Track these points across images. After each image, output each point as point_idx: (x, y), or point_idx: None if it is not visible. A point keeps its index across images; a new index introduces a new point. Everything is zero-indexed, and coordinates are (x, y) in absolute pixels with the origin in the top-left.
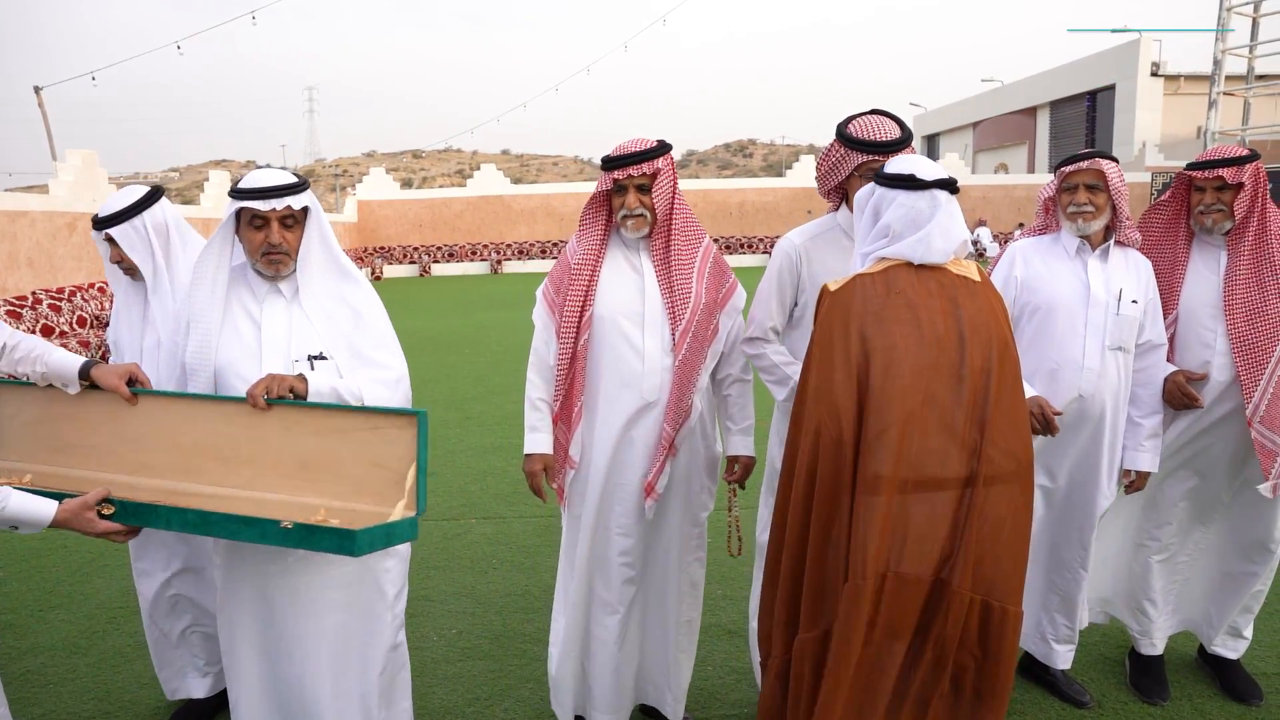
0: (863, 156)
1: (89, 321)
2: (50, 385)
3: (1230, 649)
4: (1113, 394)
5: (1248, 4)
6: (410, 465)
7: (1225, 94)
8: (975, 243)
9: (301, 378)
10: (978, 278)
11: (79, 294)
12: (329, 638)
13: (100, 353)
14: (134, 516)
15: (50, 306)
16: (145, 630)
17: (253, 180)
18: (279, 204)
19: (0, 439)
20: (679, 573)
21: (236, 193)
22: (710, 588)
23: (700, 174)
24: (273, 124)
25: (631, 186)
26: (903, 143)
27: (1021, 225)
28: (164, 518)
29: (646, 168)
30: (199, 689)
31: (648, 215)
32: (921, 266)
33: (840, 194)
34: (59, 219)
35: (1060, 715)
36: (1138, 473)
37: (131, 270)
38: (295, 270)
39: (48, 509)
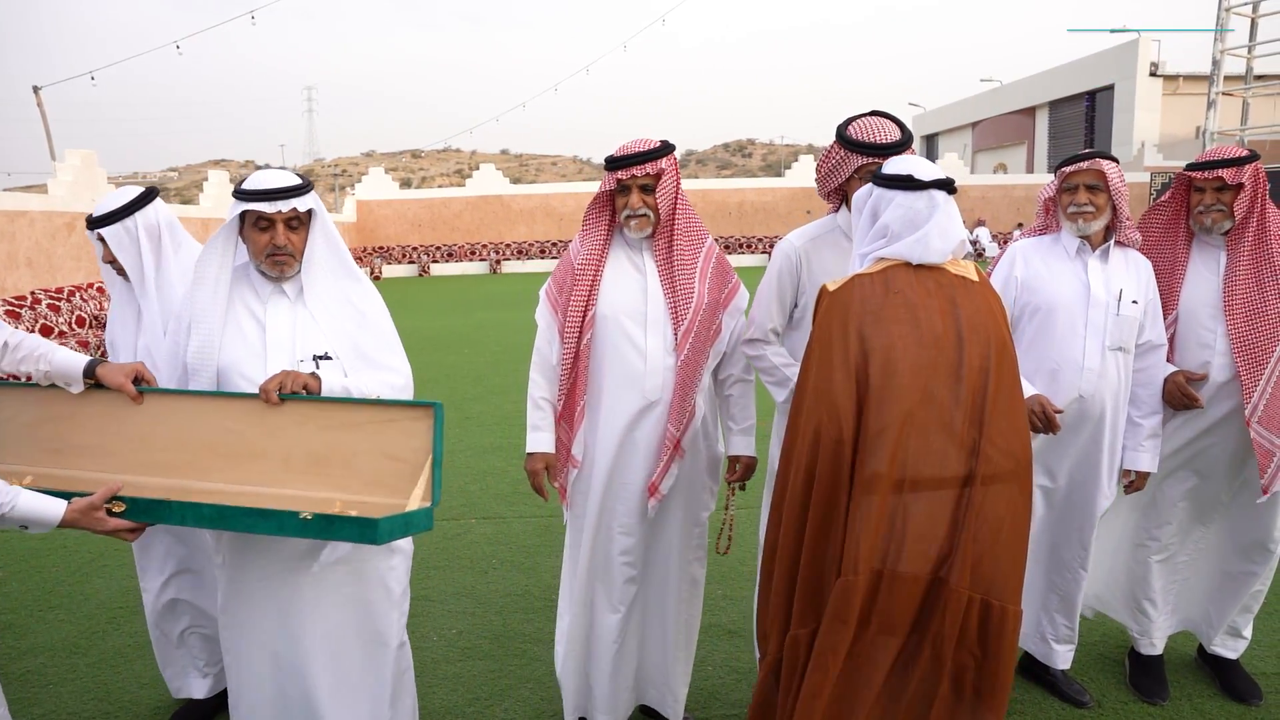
0: (863, 159)
1: (88, 321)
2: (51, 386)
3: (1230, 649)
4: (1113, 394)
5: (1247, 4)
6: (427, 457)
7: (1224, 94)
8: (974, 243)
9: (315, 376)
10: (976, 277)
11: (78, 294)
12: (336, 636)
13: (100, 353)
14: (147, 513)
15: (49, 306)
16: (150, 630)
17: (257, 182)
18: (284, 206)
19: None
20: (680, 572)
21: (241, 194)
22: (710, 588)
23: (699, 174)
24: (272, 124)
25: (635, 186)
26: (903, 144)
27: (1020, 225)
28: (178, 513)
29: (650, 168)
30: (199, 689)
31: (651, 215)
32: (920, 266)
33: (840, 196)
34: (58, 219)
35: (1060, 715)
36: (1137, 473)
37: (123, 271)
38: (300, 271)
39: (56, 508)
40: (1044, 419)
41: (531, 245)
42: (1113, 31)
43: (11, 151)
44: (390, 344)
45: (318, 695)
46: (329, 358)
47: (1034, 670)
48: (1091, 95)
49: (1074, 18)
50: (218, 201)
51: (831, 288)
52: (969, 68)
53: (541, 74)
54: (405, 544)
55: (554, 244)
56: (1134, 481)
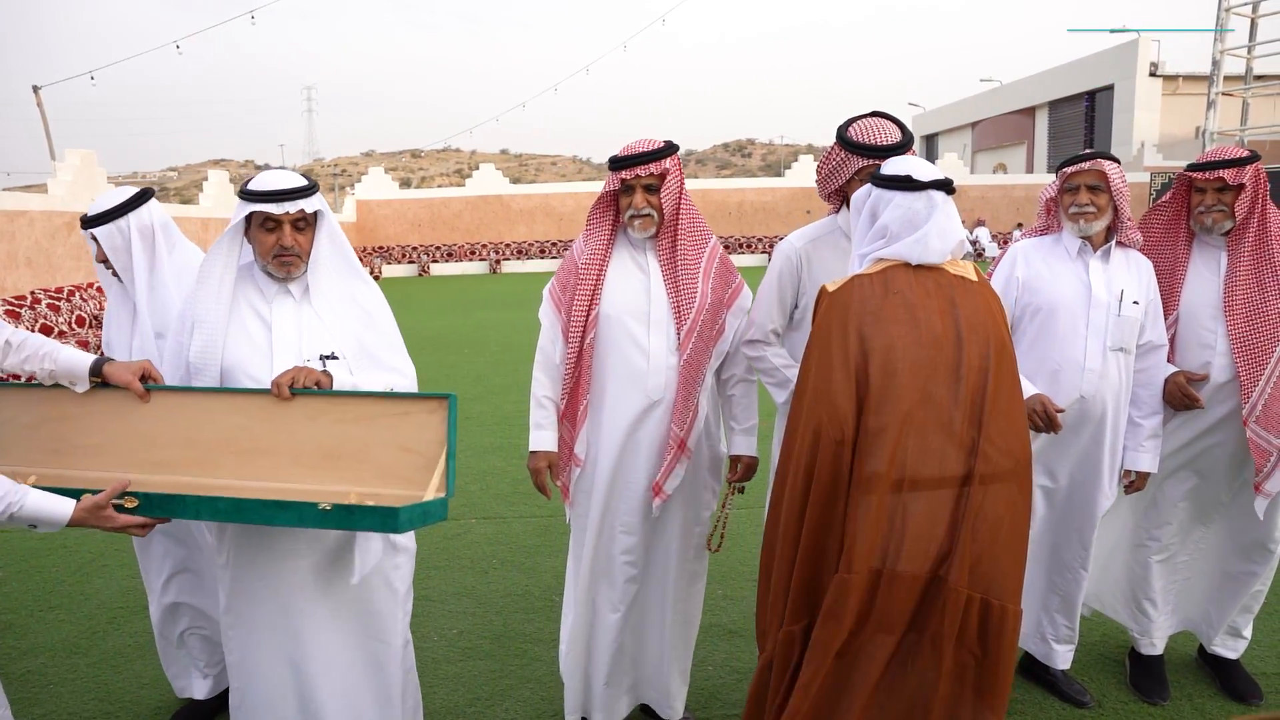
0: (863, 160)
1: (88, 321)
2: (54, 385)
3: (1230, 649)
4: (1114, 395)
5: (1246, 4)
6: (442, 448)
7: (1224, 94)
8: (974, 243)
9: (327, 373)
10: (975, 278)
11: (78, 294)
12: (341, 635)
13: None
14: (161, 508)
15: (49, 306)
16: (154, 629)
17: (264, 182)
18: (292, 207)
19: (0, 443)
20: (679, 571)
21: (248, 195)
22: (710, 588)
23: (699, 174)
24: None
25: (639, 186)
26: (903, 146)
27: (1020, 225)
28: (192, 507)
29: (654, 168)
30: (200, 690)
31: (654, 215)
32: (919, 267)
33: (841, 197)
34: (58, 218)
35: (1060, 715)
36: (1138, 473)
37: (118, 271)
38: (306, 271)
39: (65, 507)
40: (1045, 418)
41: (531, 245)
42: (1112, 31)
43: (11, 151)
44: (395, 344)
45: (322, 695)
46: (335, 357)
47: (1034, 670)
48: (1091, 95)
49: (1074, 18)
50: (217, 201)
51: (831, 288)
52: (968, 68)
53: (541, 74)
54: (409, 543)
55: (554, 244)
56: (1134, 482)
